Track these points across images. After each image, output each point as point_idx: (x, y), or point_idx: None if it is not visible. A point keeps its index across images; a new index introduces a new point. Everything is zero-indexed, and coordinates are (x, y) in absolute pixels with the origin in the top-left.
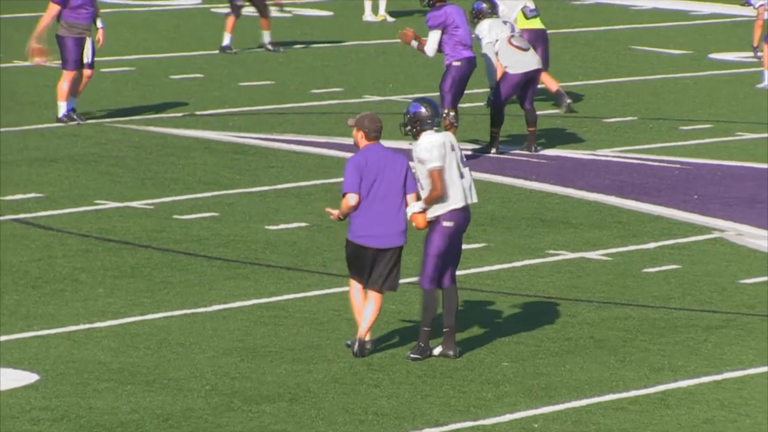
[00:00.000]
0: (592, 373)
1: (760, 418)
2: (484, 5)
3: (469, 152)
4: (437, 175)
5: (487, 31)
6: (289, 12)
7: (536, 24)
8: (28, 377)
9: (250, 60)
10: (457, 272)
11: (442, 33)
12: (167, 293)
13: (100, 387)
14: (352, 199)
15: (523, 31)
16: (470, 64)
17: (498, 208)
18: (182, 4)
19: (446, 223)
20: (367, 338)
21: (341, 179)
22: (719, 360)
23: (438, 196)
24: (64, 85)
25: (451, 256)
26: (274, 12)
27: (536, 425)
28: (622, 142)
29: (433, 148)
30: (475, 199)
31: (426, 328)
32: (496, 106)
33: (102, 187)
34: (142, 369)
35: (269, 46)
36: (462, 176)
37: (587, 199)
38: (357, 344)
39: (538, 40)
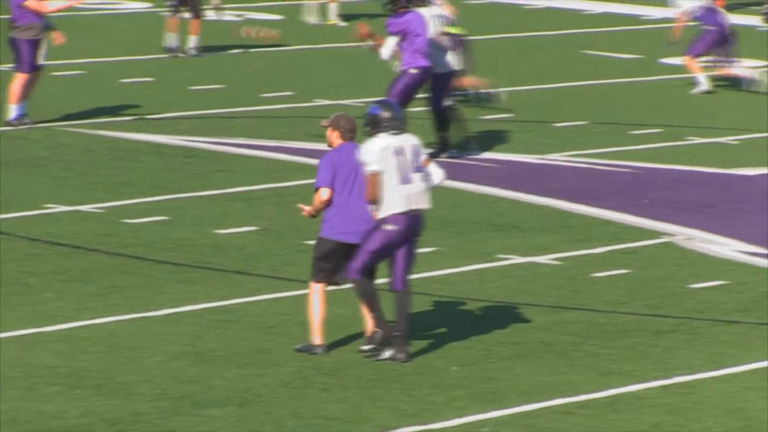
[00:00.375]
0: (542, 378)
1: (708, 422)
2: None
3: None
4: (370, 179)
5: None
6: (225, 13)
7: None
8: None
9: (200, 64)
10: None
11: (401, 39)
12: (116, 297)
13: (49, 391)
14: (324, 193)
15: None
16: (425, 73)
17: (448, 213)
18: (133, 8)
19: (387, 226)
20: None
21: (290, 183)
22: (668, 364)
23: (369, 199)
24: (17, 87)
25: (396, 260)
26: (212, 15)
27: (485, 430)
28: (573, 147)
29: (369, 152)
30: (423, 206)
31: (374, 314)
32: (437, 110)
33: (52, 190)
34: (92, 373)
35: (193, 51)
36: (407, 181)
37: (537, 204)
38: (371, 340)
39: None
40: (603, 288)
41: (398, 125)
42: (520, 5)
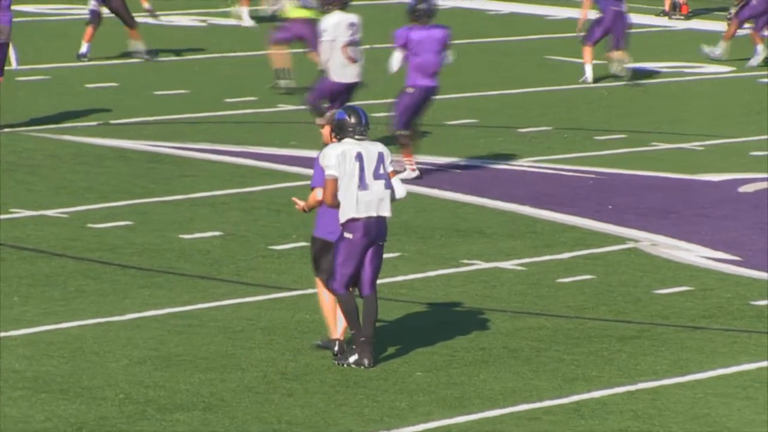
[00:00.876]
0: (506, 383)
1: (674, 428)
2: None
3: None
4: (326, 184)
5: (332, 28)
6: (159, 18)
7: (306, 14)
8: None
9: (165, 69)
10: None
11: (404, 53)
12: (81, 302)
13: (14, 395)
14: (319, 193)
15: (294, 20)
16: (426, 92)
17: (412, 218)
18: None
19: (346, 234)
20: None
21: (255, 188)
22: (633, 370)
23: (327, 203)
24: None
25: (364, 265)
26: (147, 18)
27: None
28: (537, 152)
29: (328, 157)
30: (383, 213)
31: (352, 329)
32: (398, 128)
33: (16, 195)
34: (57, 377)
35: (145, 55)
36: (365, 188)
37: (502, 209)
38: (338, 345)
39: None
40: (568, 293)
41: (362, 131)
42: (483, 11)
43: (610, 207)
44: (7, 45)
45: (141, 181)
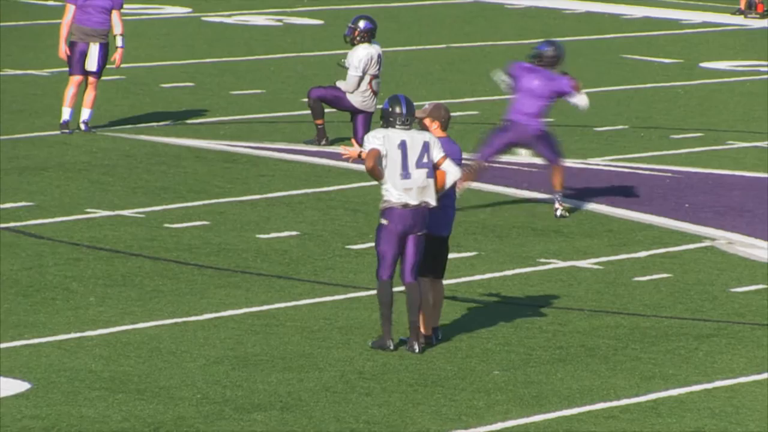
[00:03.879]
0: (583, 382)
1: (751, 426)
2: (369, 26)
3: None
4: (368, 153)
5: (363, 64)
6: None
7: None
8: (19, 386)
9: (240, 69)
10: (449, 281)
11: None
12: (158, 302)
13: (92, 396)
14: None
15: None
16: (515, 127)
17: (489, 217)
18: (173, 13)
19: (382, 220)
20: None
21: (331, 188)
22: (710, 368)
23: (367, 170)
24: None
25: (405, 254)
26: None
27: None
28: (613, 151)
29: (371, 137)
30: (426, 200)
31: (382, 320)
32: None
33: (93, 195)
34: (133, 378)
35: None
36: (407, 176)
37: (578, 208)
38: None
39: None
40: (644, 292)
41: (407, 120)
42: (559, 10)
43: (686, 205)
44: (87, 46)
45: (217, 181)
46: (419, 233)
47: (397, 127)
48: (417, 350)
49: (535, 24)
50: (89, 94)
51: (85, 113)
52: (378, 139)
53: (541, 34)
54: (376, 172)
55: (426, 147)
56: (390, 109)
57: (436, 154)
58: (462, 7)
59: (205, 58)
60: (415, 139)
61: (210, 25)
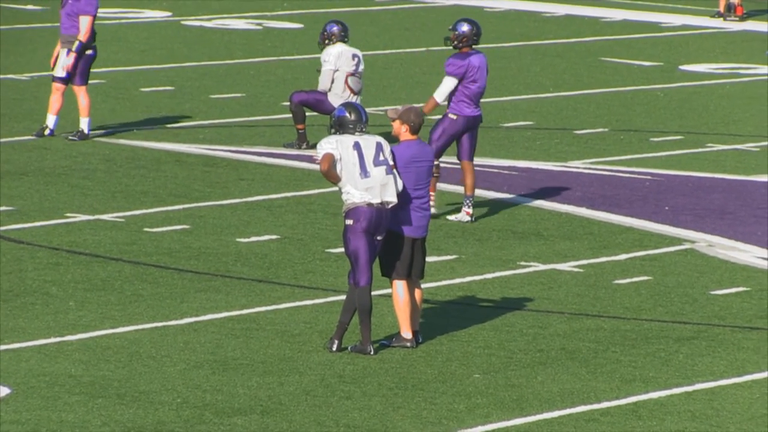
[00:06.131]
0: (564, 385)
1: (731, 429)
2: (336, 27)
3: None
4: (322, 158)
5: (335, 58)
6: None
7: None
8: None
9: (220, 72)
10: (430, 284)
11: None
12: (138, 306)
13: (71, 400)
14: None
15: None
16: (468, 121)
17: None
18: (153, 17)
19: (348, 222)
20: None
21: (311, 191)
22: (690, 371)
23: (322, 173)
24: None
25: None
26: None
27: None
28: (593, 154)
29: (325, 143)
30: (387, 198)
31: (361, 325)
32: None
33: (72, 200)
34: (113, 382)
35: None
36: (366, 175)
37: (558, 211)
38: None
39: None
40: (625, 295)
41: (362, 127)
42: (539, 13)
43: (666, 208)
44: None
45: (197, 185)
46: (379, 237)
47: (354, 134)
48: (370, 351)
49: (514, 27)
50: (58, 101)
51: (50, 120)
52: (331, 143)
53: (520, 37)
54: (331, 175)
55: (380, 147)
56: (347, 116)
57: (388, 155)
58: (442, 10)
59: (185, 62)
60: (367, 140)
61: (190, 29)
